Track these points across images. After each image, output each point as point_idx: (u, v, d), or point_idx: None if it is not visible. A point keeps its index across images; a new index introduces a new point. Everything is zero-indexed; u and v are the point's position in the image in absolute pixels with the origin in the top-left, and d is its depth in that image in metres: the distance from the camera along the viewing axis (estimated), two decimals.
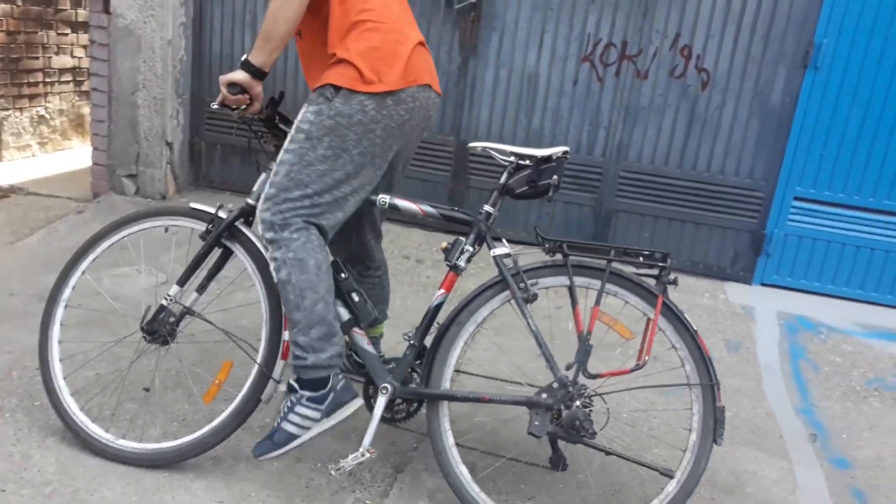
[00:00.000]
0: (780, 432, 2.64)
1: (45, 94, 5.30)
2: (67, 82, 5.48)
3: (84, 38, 5.50)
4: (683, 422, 2.06)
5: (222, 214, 2.10)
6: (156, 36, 3.99)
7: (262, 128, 2.14)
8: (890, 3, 3.38)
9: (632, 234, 3.92)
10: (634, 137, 3.81)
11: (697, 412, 1.90)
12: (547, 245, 1.96)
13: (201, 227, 2.14)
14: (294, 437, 1.92)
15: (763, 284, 3.84)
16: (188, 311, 2.15)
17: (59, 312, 2.18)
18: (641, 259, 1.91)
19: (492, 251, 1.98)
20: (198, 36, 4.21)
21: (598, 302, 1.90)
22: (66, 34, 5.38)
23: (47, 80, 5.28)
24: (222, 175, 4.42)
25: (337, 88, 1.89)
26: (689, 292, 3.72)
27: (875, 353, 3.33)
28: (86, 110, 5.66)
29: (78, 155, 5.41)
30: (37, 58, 5.15)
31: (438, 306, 2.03)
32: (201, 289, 2.18)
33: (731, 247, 3.84)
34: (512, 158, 1.98)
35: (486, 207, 2.01)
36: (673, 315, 1.91)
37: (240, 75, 1.91)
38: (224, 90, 1.93)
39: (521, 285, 1.94)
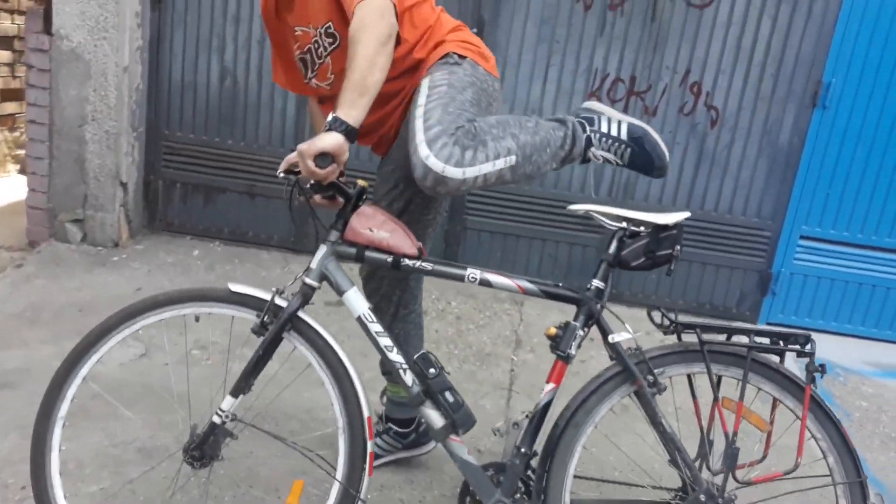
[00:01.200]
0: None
1: None
2: None
3: None
4: None
5: (281, 302, 1.70)
6: (109, 61, 3.48)
7: (317, 190, 1.75)
8: (894, 44, 3.39)
9: (638, 275, 3.76)
10: (641, 176, 3.65)
11: None
12: (673, 326, 1.72)
13: (247, 315, 1.74)
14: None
15: (769, 324, 3.78)
16: (233, 418, 1.76)
17: (57, 435, 1.71)
18: (783, 343, 1.71)
19: (610, 337, 1.71)
20: (154, 61, 3.72)
21: (741, 396, 1.67)
22: None
23: None
24: (182, 217, 3.93)
25: (462, 56, 1.79)
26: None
27: (895, 395, 3.31)
28: None
29: None
30: None
31: (548, 405, 1.73)
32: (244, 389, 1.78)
33: (737, 287, 3.75)
34: (623, 224, 1.73)
35: (596, 282, 1.73)
36: (813, 402, 1.72)
37: (332, 141, 1.53)
38: (311, 164, 1.53)
39: (649, 377, 1.69)
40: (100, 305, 3.15)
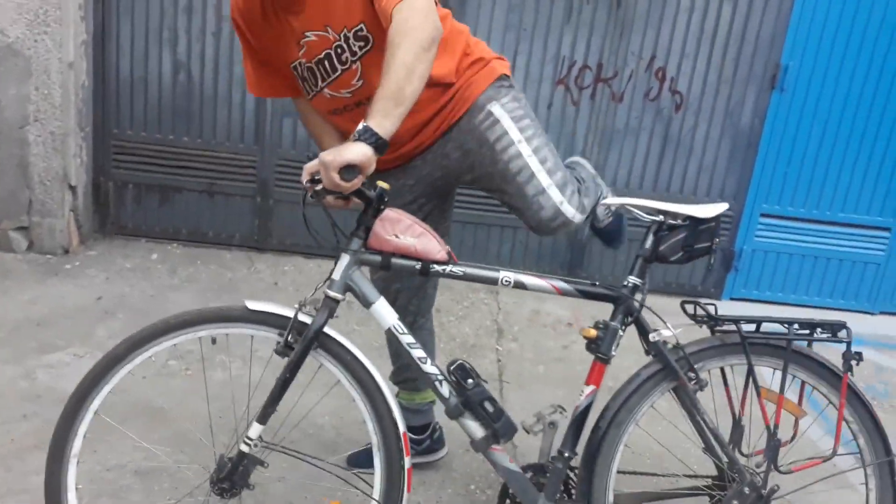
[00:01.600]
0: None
1: None
2: None
3: None
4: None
5: (305, 318, 1.58)
6: (52, 57, 3.22)
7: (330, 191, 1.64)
8: (846, 28, 3.53)
9: (607, 260, 3.82)
10: (610, 161, 3.69)
11: (875, 489, 1.78)
12: (709, 320, 1.74)
13: (268, 334, 1.63)
14: None
15: (732, 299, 3.91)
16: (260, 444, 1.66)
17: (72, 474, 1.58)
18: (820, 332, 1.76)
19: (650, 336, 1.71)
20: (100, 55, 3.48)
21: (782, 388, 1.71)
22: None
23: None
24: (136, 219, 3.72)
25: (507, 77, 1.85)
26: (664, 313, 3.68)
27: None
28: None
29: None
30: None
31: (588, 407, 1.71)
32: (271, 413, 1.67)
33: (702, 265, 3.85)
34: (660, 217, 1.71)
35: (632, 279, 1.72)
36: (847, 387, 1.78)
37: (360, 152, 1.40)
38: (336, 176, 1.41)
39: (691, 374, 1.70)
40: (59, 318, 2.95)
